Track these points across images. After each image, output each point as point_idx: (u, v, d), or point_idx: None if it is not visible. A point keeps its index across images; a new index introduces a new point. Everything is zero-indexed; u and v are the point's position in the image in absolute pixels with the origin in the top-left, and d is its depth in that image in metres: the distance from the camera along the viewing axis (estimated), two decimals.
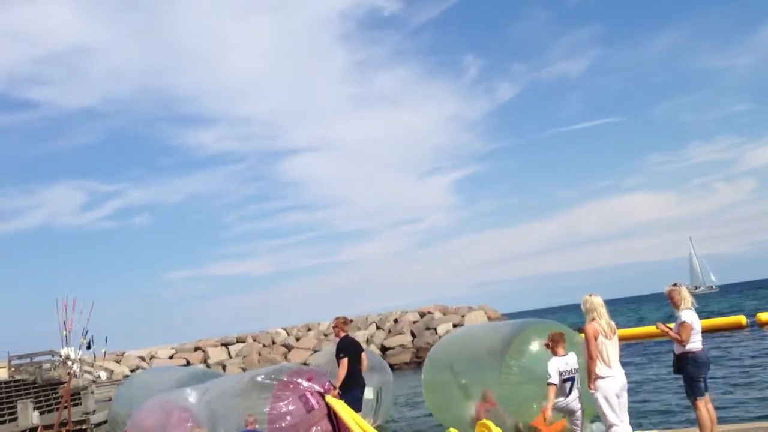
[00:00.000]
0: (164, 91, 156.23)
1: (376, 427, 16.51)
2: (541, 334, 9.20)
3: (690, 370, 7.28)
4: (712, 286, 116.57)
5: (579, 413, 7.76)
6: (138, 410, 11.05)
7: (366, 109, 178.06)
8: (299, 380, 9.51)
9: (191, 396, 10.19)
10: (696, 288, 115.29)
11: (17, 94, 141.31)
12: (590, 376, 6.69)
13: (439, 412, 12.26)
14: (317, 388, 9.47)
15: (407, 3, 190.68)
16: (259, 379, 9.74)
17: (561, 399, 7.58)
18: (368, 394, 16.90)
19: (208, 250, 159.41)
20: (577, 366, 7.68)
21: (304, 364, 20.11)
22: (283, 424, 9.12)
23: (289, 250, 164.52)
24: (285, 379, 9.54)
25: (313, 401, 9.30)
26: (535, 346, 9.42)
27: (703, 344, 7.39)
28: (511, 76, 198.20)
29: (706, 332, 7.87)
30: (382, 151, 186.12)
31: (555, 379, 7.42)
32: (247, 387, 9.74)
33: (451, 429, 8.10)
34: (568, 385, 7.56)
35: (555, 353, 7.66)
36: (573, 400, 7.70)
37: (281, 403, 9.26)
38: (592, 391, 6.68)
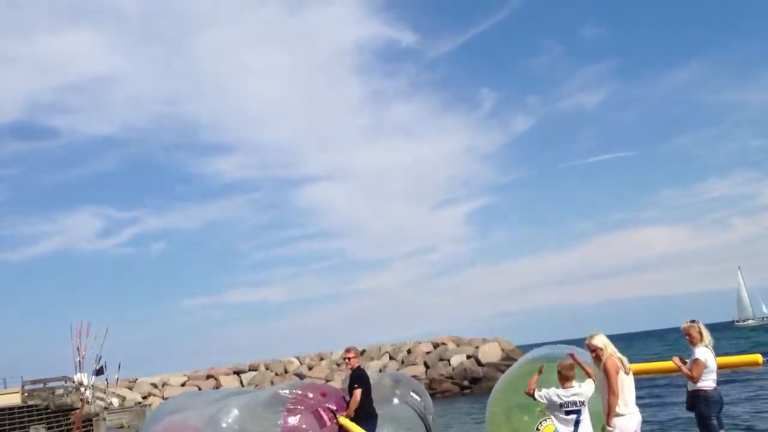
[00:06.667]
0: (183, 119, 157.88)
1: None
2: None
3: (701, 408, 7.29)
4: (763, 318, 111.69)
5: None
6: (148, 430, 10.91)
7: (381, 139, 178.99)
8: (313, 395, 9.52)
9: (204, 415, 10.10)
10: (745, 320, 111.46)
11: (40, 122, 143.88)
12: (610, 413, 6.63)
13: None
14: (331, 405, 9.46)
15: (424, 36, 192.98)
16: (273, 392, 9.74)
17: None
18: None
19: (224, 277, 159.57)
20: (583, 399, 6.74)
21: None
22: None
23: (304, 279, 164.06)
24: (299, 392, 9.54)
25: (326, 418, 9.30)
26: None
27: (716, 383, 7.35)
28: (526, 109, 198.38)
29: (720, 370, 7.77)
30: (396, 181, 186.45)
31: (545, 391, 6.82)
32: (261, 401, 9.71)
33: None
34: (571, 419, 6.68)
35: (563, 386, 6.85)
36: None
37: (294, 417, 9.25)
38: (609, 428, 6.64)
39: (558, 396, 6.77)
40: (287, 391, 9.62)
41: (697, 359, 7.26)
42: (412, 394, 10.52)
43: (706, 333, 7.39)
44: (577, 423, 6.65)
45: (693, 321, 7.50)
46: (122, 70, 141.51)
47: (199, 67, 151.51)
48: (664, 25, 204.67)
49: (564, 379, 6.84)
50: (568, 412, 6.70)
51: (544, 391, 6.88)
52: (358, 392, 9.19)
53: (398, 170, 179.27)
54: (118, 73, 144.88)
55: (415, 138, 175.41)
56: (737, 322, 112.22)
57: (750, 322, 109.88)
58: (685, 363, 7.45)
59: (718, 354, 7.71)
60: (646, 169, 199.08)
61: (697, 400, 7.31)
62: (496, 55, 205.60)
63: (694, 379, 7.26)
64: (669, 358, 7.93)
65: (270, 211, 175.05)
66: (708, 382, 7.26)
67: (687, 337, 7.47)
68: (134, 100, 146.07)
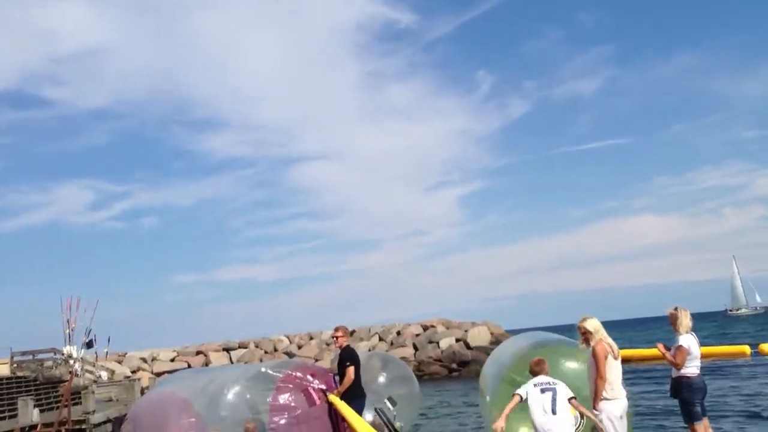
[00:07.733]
0: (178, 94, 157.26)
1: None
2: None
3: (685, 395, 7.36)
4: (756, 307, 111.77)
5: None
6: (138, 402, 11.02)
7: (377, 120, 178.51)
8: (303, 375, 9.60)
9: (194, 387, 10.16)
10: (737, 309, 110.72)
11: (33, 92, 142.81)
12: (597, 397, 6.72)
13: None
14: (320, 384, 9.54)
15: (423, 17, 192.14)
16: (263, 370, 9.82)
17: (541, 418, 6.70)
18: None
19: (216, 254, 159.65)
20: (556, 381, 6.96)
21: None
22: (285, 416, 9.19)
23: (296, 257, 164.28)
24: (289, 372, 9.61)
25: (315, 396, 9.40)
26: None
27: (699, 369, 7.42)
28: (523, 93, 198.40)
29: (707, 359, 7.87)
30: (391, 162, 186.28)
31: (521, 390, 6.92)
32: (251, 378, 9.78)
33: None
34: (547, 396, 6.77)
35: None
36: (561, 425, 6.65)
37: (284, 395, 9.34)
38: (596, 412, 6.71)
39: (533, 384, 6.94)
40: (277, 370, 9.70)
41: (680, 346, 7.32)
42: (386, 402, 10.55)
43: (686, 319, 7.43)
44: (554, 399, 6.76)
45: (676, 308, 7.55)
46: (117, 42, 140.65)
47: (195, 41, 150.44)
48: (662, 13, 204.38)
49: (534, 374, 7.11)
50: (543, 390, 6.84)
51: (522, 389, 6.98)
52: (351, 369, 9.22)
53: (393, 151, 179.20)
54: (112, 45, 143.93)
55: (410, 119, 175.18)
56: (730, 311, 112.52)
57: (743, 311, 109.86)
58: (668, 350, 7.51)
59: (708, 344, 7.77)
60: (640, 157, 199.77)
61: (680, 387, 7.39)
62: (494, 38, 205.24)
63: (678, 366, 7.33)
64: (653, 345, 8.00)
65: (264, 188, 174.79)
66: (691, 368, 7.33)
67: (672, 324, 7.55)
68: (128, 73, 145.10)
